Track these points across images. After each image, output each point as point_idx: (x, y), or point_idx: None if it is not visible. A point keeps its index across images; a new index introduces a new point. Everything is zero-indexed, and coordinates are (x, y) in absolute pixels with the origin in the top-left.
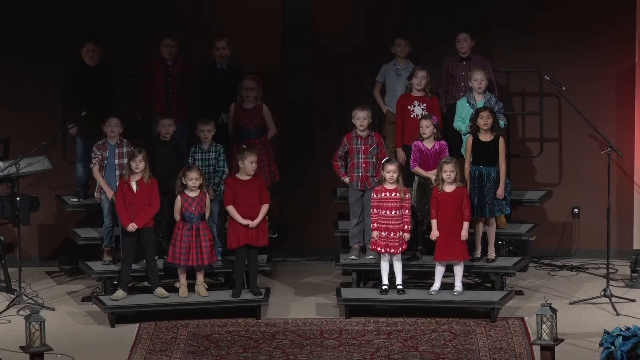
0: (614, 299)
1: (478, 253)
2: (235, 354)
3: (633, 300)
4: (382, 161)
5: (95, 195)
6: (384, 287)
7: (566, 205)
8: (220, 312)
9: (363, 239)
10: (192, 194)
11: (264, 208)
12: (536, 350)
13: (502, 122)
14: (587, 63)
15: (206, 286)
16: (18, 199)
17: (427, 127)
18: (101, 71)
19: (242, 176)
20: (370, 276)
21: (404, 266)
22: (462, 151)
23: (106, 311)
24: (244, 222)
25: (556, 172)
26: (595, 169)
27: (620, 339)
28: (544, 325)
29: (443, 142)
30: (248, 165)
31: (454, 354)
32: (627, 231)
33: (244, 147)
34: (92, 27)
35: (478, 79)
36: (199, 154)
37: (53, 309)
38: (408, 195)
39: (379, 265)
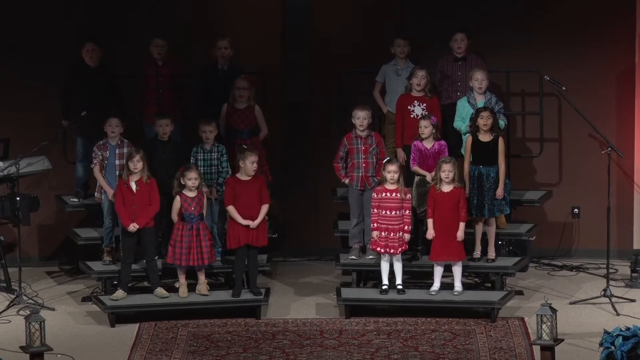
0: (614, 299)
1: (478, 253)
2: (235, 354)
3: (633, 300)
4: (384, 161)
5: (95, 195)
6: (384, 287)
7: (566, 205)
8: (220, 312)
9: (363, 239)
10: (191, 194)
11: (264, 208)
12: (536, 350)
13: (502, 123)
14: (587, 63)
15: (208, 286)
16: (18, 199)
17: (425, 127)
18: (101, 71)
19: (242, 176)
20: (370, 276)
21: (404, 266)
22: (462, 151)
23: (106, 311)
24: (245, 222)
25: (556, 172)
26: (595, 169)
27: (620, 339)
28: (544, 325)
29: (442, 142)
30: (249, 165)
31: (454, 354)
32: (627, 231)
33: (245, 147)
34: (92, 27)
35: (479, 79)
36: (201, 154)
37: (53, 309)
38: (409, 195)
39: (379, 265)
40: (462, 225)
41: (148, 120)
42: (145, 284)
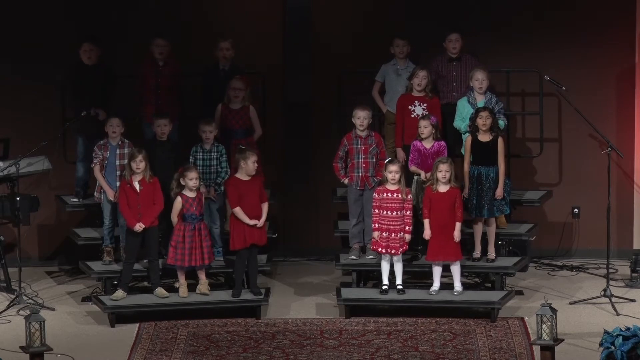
0: (614, 299)
1: (478, 253)
2: (235, 354)
3: (633, 300)
4: (385, 162)
5: (95, 195)
6: (384, 287)
7: (566, 205)
8: (220, 312)
9: (363, 239)
10: (192, 195)
11: (266, 207)
12: (536, 350)
13: (502, 123)
14: (587, 63)
15: (209, 287)
16: (18, 199)
17: (425, 128)
18: (100, 71)
19: (243, 176)
20: (370, 276)
21: (404, 266)
22: (462, 151)
23: (106, 311)
24: (252, 222)
25: (556, 172)
26: (595, 169)
27: (620, 339)
28: (544, 325)
29: (442, 142)
30: (251, 165)
31: (454, 354)
32: (627, 231)
33: (243, 147)
34: (92, 27)
35: (479, 79)
36: (200, 154)
37: (53, 309)
38: (410, 196)
39: (379, 265)
40: (458, 225)
41: (147, 120)
42: (146, 284)
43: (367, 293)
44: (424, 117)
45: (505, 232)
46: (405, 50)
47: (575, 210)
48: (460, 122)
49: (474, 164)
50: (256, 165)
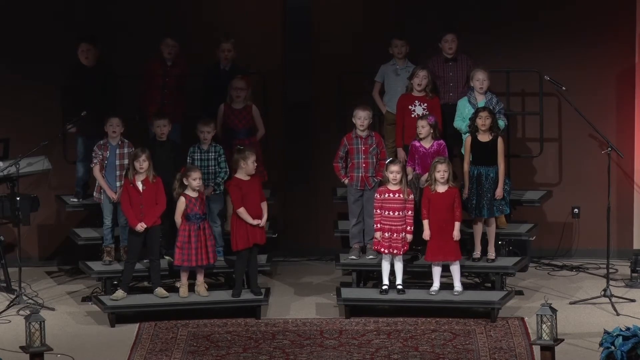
0: (614, 299)
1: (478, 253)
2: (235, 354)
3: (633, 300)
4: (386, 162)
5: (94, 195)
6: (384, 287)
7: (566, 205)
8: (220, 312)
9: (363, 239)
10: (194, 194)
11: (266, 206)
12: (536, 350)
13: (502, 123)
14: (587, 63)
15: (206, 286)
16: (18, 199)
17: (423, 127)
18: (99, 71)
19: (243, 177)
20: (370, 276)
21: (404, 266)
22: (462, 151)
23: (106, 311)
24: (255, 222)
25: (556, 172)
26: (595, 169)
27: (620, 339)
28: (544, 325)
29: (441, 142)
30: (251, 165)
31: (454, 354)
32: (627, 231)
33: (241, 147)
34: (92, 27)
35: (480, 79)
36: (198, 154)
37: (53, 309)
38: (411, 196)
39: (379, 265)
40: (457, 224)
41: (151, 119)
42: (146, 283)
43: (367, 293)
44: (421, 117)
45: (505, 232)
46: (403, 51)
47: (575, 210)
48: (461, 122)
49: (473, 164)
50: (255, 164)
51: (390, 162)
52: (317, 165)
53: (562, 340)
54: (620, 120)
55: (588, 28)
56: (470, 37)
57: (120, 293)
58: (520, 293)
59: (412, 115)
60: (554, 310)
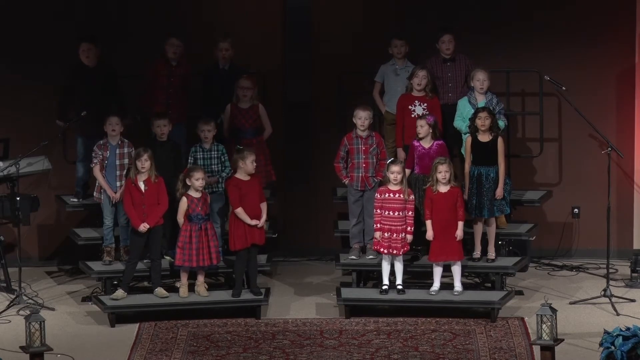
0: (614, 299)
1: (478, 253)
2: (235, 354)
3: (633, 300)
4: (387, 162)
5: (94, 195)
6: (384, 287)
7: (566, 205)
8: (220, 312)
9: (363, 239)
10: (197, 195)
11: (265, 206)
12: (536, 350)
13: (501, 123)
14: (587, 63)
15: (206, 286)
16: (18, 199)
17: (422, 127)
18: (99, 71)
19: (243, 176)
20: (370, 276)
21: (404, 266)
22: (462, 151)
23: (106, 311)
24: (253, 222)
25: (556, 172)
26: (595, 169)
27: (620, 339)
28: (544, 325)
29: (441, 142)
30: (249, 165)
31: (454, 354)
32: (627, 231)
33: (241, 147)
34: (92, 27)
35: (480, 79)
36: (200, 154)
37: (53, 309)
38: (412, 197)
39: (379, 265)
40: (460, 224)
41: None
42: (146, 283)
43: (367, 293)
44: (420, 116)
45: (505, 232)
46: (403, 51)
47: (575, 210)
48: (461, 122)
49: (474, 164)
50: (254, 164)
51: (392, 162)
52: (317, 165)
53: (562, 340)
54: (620, 120)
55: (588, 28)
56: (470, 37)
57: (120, 292)
58: (520, 293)
59: (412, 115)
60: (554, 310)
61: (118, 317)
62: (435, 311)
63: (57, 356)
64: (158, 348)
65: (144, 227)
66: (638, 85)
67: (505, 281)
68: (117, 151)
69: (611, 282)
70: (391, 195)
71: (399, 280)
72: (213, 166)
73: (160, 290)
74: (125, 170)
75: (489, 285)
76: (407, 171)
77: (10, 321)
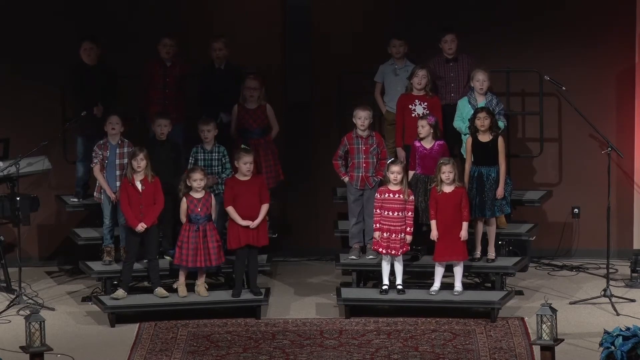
0: (614, 299)
1: (478, 253)
2: (235, 354)
3: (633, 300)
4: (387, 162)
5: (95, 195)
6: (384, 287)
7: (566, 205)
8: (220, 312)
9: (363, 238)
10: (198, 195)
11: (264, 208)
12: (536, 350)
13: (501, 123)
14: (587, 63)
15: (206, 286)
16: (18, 199)
17: (422, 127)
18: (100, 70)
19: (240, 176)
20: (370, 276)
21: (404, 266)
22: (462, 151)
23: (106, 311)
24: (244, 223)
25: (556, 172)
26: (595, 169)
27: (620, 339)
28: (544, 325)
29: (442, 142)
30: (242, 166)
31: (454, 354)
32: (627, 231)
33: (243, 147)
34: (92, 27)
35: (480, 80)
36: (201, 154)
37: (53, 309)
38: (412, 197)
39: (379, 265)
40: (465, 224)
41: (151, 120)
42: (146, 284)
43: (367, 293)
44: (422, 116)
45: (505, 232)
46: (402, 50)
47: (575, 210)
48: (461, 122)
49: (475, 164)
50: (248, 166)
51: (392, 162)
52: (317, 165)
53: (562, 340)
54: (620, 120)
55: (588, 28)
56: (470, 37)
57: (120, 292)
58: (520, 293)
59: (413, 115)
60: (554, 310)
61: (118, 317)
62: (435, 311)
63: (57, 356)
64: (158, 348)
65: (141, 226)
66: (638, 85)
67: (505, 281)
68: (117, 151)
69: (611, 282)
70: (391, 195)
71: (399, 280)
72: (214, 167)
73: (160, 290)
74: (125, 170)
75: (489, 285)
76: (410, 173)
77: (10, 321)
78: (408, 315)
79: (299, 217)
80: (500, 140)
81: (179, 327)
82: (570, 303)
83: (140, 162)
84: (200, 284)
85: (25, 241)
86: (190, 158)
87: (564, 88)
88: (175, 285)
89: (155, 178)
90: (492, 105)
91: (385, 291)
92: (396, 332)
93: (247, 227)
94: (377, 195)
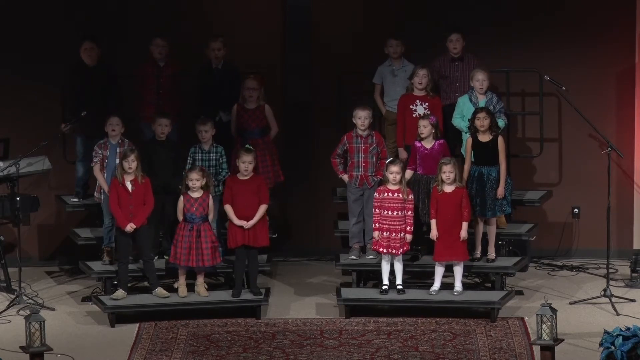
0: (614, 299)
1: (478, 253)
2: (235, 354)
3: (633, 300)
4: (387, 161)
5: (95, 195)
6: (384, 287)
7: (566, 205)
8: (220, 312)
9: (363, 238)
10: (195, 195)
11: (262, 208)
12: (536, 350)
13: (501, 122)
14: (587, 63)
15: (206, 286)
16: (18, 199)
17: (424, 127)
18: (100, 70)
19: (240, 175)
20: (370, 276)
21: (404, 266)
22: (462, 151)
23: (106, 311)
24: (239, 222)
25: (556, 172)
26: (595, 169)
27: (620, 339)
28: (544, 325)
29: (442, 141)
30: (241, 165)
31: (454, 354)
32: (627, 231)
33: (247, 146)
34: (92, 27)
35: (480, 80)
36: (199, 155)
37: (53, 309)
38: (411, 196)
39: (379, 265)
40: (465, 224)
41: (146, 120)
42: (146, 284)
43: (367, 293)
44: (423, 116)
45: (505, 232)
46: (399, 50)
47: (575, 210)
48: (460, 120)
49: (475, 164)
50: (247, 165)
51: (391, 162)
52: (317, 165)
53: (562, 340)
54: (620, 120)
55: (588, 28)
56: (470, 37)
57: (120, 292)
58: (520, 293)
59: (414, 115)
60: (554, 310)
61: (118, 317)
62: (435, 311)
63: (57, 356)
64: (158, 348)
65: (130, 227)
66: (638, 85)
67: (505, 281)
68: (118, 150)
69: (611, 282)
70: (390, 194)
71: (398, 280)
72: (212, 168)
73: (160, 290)
74: (114, 171)
75: (489, 285)
76: (410, 172)
77: (10, 321)
78: (408, 315)
79: (299, 217)
80: (500, 140)
81: (179, 327)
82: (570, 303)
83: (132, 163)
84: (200, 284)
85: (25, 241)
86: (189, 158)
87: (564, 88)
88: (176, 285)
89: (145, 179)
90: (492, 104)
91: (385, 291)
92: (396, 332)
93: (241, 227)
94: (376, 195)
